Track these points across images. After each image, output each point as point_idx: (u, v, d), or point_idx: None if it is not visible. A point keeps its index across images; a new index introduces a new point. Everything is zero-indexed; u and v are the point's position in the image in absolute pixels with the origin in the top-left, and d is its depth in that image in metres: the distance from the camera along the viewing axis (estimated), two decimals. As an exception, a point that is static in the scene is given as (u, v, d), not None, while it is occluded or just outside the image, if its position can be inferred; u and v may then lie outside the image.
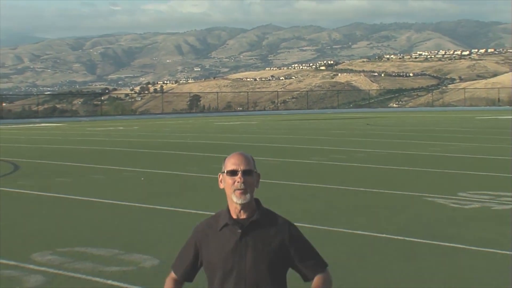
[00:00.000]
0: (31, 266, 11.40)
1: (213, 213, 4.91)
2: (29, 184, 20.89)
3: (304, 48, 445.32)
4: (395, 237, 13.31)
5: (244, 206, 4.68)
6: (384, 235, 13.44)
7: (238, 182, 4.65)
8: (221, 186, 4.76)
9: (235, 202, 4.67)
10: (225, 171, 4.71)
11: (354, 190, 19.26)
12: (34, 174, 23.46)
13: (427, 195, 17.98)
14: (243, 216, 4.71)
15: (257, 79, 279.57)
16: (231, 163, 4.70)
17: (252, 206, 4.73)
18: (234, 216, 4.72)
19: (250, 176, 4.68)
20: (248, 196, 4.67)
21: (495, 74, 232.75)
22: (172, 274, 4.92)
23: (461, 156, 27.65)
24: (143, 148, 33.64)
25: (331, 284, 4.77)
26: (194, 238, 4.82)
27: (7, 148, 34.55)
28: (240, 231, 4.68)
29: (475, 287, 10.09)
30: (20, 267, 11.38)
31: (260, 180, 4.83)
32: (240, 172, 4.66)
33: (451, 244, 12.65)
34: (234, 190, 4.65)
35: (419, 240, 13.00)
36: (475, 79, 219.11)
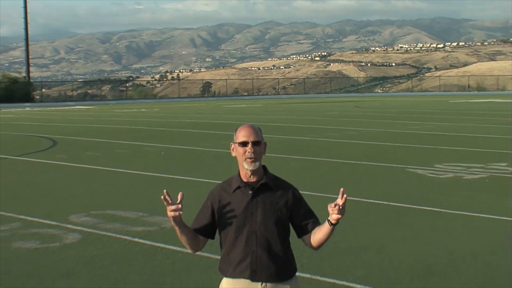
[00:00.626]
0: (69, 226, 11.48)
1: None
2: (66, 157, 20.92)
3: (301, 42, 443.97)
4: (381, 202, 13.35)
5: (254, 172, 4.70)
6: (372, 201, 13.48)
7: (248, 152, 4.66)
8: (233, 154, 4.77)
9: (246, 168, 4.70)
10: (237, 142, 4.72)
11: (345, 162, 19.31)
12: (70, 149, 23.47)
13: (408, 167, 18.01)
14: (253, 180, 4.73)
15: (260, 68, 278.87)
16: (242, 135, 4.72)
17: (260, 171, 4.75)
18: (245, 180, 4.74)
19: (258, 146, 4.70)
20: (257, 163, 4.69)
21: (465, 64, 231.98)
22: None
23: (437, 134, 27.64)
24: (162, 127, 33.62)
25: None
26: (210, 200, 4.84)
27: (47, 127, 34.58)
28: (251, 192, 4.70)
29: (452, 244, 10.12)
30: (60, 227, 11.45)
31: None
32: (250, 143, 4.68)
33: (430, 208, 12.70)
34: (245, 158, 4.67)
35: (402, 205, 13.05)
36: (448, 68, 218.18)
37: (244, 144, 4.69)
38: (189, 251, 4.91)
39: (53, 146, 24.62)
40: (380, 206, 13.09)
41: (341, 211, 4.53)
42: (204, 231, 4.83)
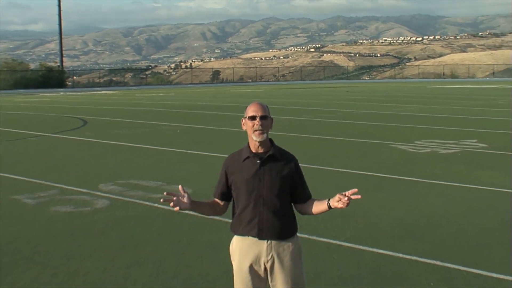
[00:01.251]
0: (99, 193, 11.51)
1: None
2: (94, 135, 20.94)
3: (298, 35, 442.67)
4: (368, 173, 13.38)
5: (261, 143, 4.68)
6: (359, 172, 13.50)
7: (257, 125, 4.64)
8: (244, 128, 4.75)
9: (254, 140, 4.68)
10: (247, 117, 4.71)
11: (336, 139, 19.29)
12: (98, 128, 23.48)
13: (391, 143, 18.02)
14: (260, 150, 4.71)
15: (263, 58, 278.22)
16: (251, 110, 4.70)
17: (267, 143, 4.73)
18: (254, 151, 4.72)
19: (266, 120, 4.67)
20: (264, 135, 4.67)
21: (440, 55, 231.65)
22: (214, 200, 4.91)
23: (416, 115, 27.61)
24: (178, 109, 33.61)
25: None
26: (224, 168, 4.84)
27: (78, 109, 34.61)
28: (259, 161, 4.69)
29: (429, 209, 10.15)
30: (91, 194, 11.49)
31: None
32: (258, 117, 4.65)
33: (410, 178, 12.73)
34: (254, 131, 4.65)
35: (385, 175, 13.07)
36: (426, 59, 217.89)
37: (253, 118, 4.67)
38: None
39: (84, 125, 24.64)
40: (366, 176, 13.12)
41: (346, 205, 4.50)
42: (224, 196, 4.83)
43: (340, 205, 4.50)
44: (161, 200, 4.69)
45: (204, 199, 4.85)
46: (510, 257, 7.72)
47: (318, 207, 4.73)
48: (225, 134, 20.78)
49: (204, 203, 4.89)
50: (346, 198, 4.48)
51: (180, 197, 4.68)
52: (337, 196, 4.52)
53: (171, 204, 4.63)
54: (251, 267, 4.69)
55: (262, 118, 4.67)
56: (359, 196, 4.49)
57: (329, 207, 4.61)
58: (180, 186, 4.72)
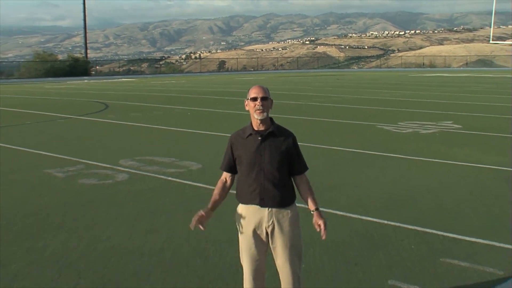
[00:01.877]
0: (119, 168, 11.50)
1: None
2: (115, 117, 20.90)
3: (295, 29, 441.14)
4: (358, 150, 13.36)
5: (262, 121, 4.65)
6: (350, 149, 13.50)
7: (258, 105, 4.62)
8: (247, 108, 4.71)
9: (256, 118, 4.64)
10: (249, 98, 4.69)
11: (329, 121, 19.26)
12: (118, 111, 23.43)
13: (377, 124, 17.99)
14: (261, 128, 4.68)
15: (263, 50, 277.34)
16: (253, 92, 4.67)
17: (268, 122, 4.70)
18: (256, 129, 4.69)
19: (266, 101, 4.65)
20: (265, 114, 4.63)
21: (420, 47, 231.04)
22: (222, 176, 4.88)
23: (399, 99, 27.54)
24: (188, 94, 33.55)
25: (309, 181, 4.85)
26: (230, 144, 4.80)
27: (100, 94, 34.55)
28: (260, 138, 4.65)
29: (411, 182, 10.14)
30: (112, 168, 11.48)
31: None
32: (259, 98, 4.63)
33: (394, 155, 12.73)
34: (255, 110, 4.62)
35: (373, 152, 13.05)
36: (408, 50, 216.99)
37: (254, 99, 4.65)
38: None
39: (105, 109, 24.61)
40: (356, 153, 13.09)
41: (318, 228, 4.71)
42: (230, 169, 4.80)
43: (315, 224, 4.70)
44: (192, 228, 4.68)
45: (212, 197, 4.79)
46: (481, 223, 7.72)
47: (306, 201, 4.81)
48: (230, 116, 20.71)
49: (216, 200, 4.84)
50: (319, 229, 4.68)
51: (202, 219, 4.66)
52: (316, 222, 4.69)
53: (202, 228, 4.66)
54: (254, 232, 4.69)
55: (263, 99, 4.65)
56: (323, 237, 4.69)
57: (312, 212, 4.74)
58: (196, 219, 4.65)
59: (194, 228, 4.64)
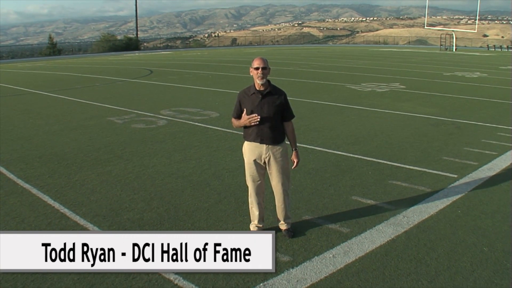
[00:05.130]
0: (160, 116, 11.38)
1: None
2: (157, 79, 20.62)
3: (287, 15, 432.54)
4: (331, 103, 13.18)
5: (262, 84, 4.58)
6: (326, 103, 13.31)
7: (259, 73, 4.54)
8: (251, 73, 4.63)
9: (258, 82, 4.57)
10: (253, 67, 4.59)
11: (310, 82, 18.97)
12: (159, 75, 23.12)
13: (346, 84, 17.69)
14: (262, 88, 4.60)
15: (264, 30, 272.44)
16: (256, 63, 4.58)
17: (266, 84, 4.62)
18: (257, 89, 4.62)
19: (265, 70, 4.57)
20: (264, 79, 4.56)
21: (377, 30, 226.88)
22: (233, 118, 4.81)
23: (361, 67, 27.04)
24: (209, 62, 33.02)
25: (293, 127, 4.81)
26: (238, 98, 4.73)
27: (147, 63, 34.10)
28: (260, 96, 4.59)
29: (369, 126, 10.05)
30: (155, 116, 11.36)
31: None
32: (260, 68, 4.55)
33: (358, 107, 12.55)
34: (257, 77, 4.55)
35: (343, 105, 12.87)
36: (368, 32, 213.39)
37: (257, 68, 4.58)
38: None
39: (150, 74, 24.29)
40: (331, 105, 12.91)
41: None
42: (238, 116, 4.74)
43: (292, 159, 4.75)
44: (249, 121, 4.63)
45: (236, 122, 4.78)
46: (417, 155, 7.69)
47: (289, 141, 4.82)
48: (239, 78, 20.41)
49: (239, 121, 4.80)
50: (293, 164, 4.74)
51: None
52: (292, 159, 4.74)
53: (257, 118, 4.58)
54: (255, 161, 4.71)
55: (263, 69, 4.59)
56: (293, 167, 4.79)
57: (292, 150, 4.77)
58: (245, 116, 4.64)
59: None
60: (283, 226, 4.88)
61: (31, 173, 6.97)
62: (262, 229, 4.85)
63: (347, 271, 4.16)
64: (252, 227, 4.87)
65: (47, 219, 5.26)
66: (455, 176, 6.67)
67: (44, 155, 7.97)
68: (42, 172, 7.01)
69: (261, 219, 4.83)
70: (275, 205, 4.88)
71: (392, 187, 6.23)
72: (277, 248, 4.55)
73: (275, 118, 4.64)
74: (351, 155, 7.78)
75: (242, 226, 5.05)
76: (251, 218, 4.88)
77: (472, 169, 6.99)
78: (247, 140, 4.73)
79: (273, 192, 4.83)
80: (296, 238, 4.77)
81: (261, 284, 3.94)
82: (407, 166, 7.11)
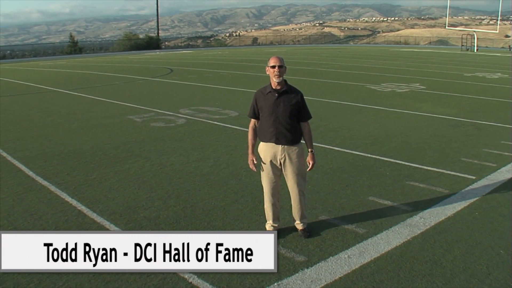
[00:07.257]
0: (179, 115, 11.45)
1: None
2: (177, 78, 20.76)
3: (308, 15, 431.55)
4: (350, 103, 13.11)
5: (278, 83, 4.56)
6: (345, 103, 13.25)
7: (276, 71, 4.53)
8: (267, 72, 4.62)
9: (274, 81, 4.56)
10: (269, 66, 4.58)
11: (329, 82, 18.88)
12: (179, 74, 23.26)
13: (366, 84, 17.59)
14: (278, 87, 4.59)
15: (285, 29, 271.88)
16: (272, 61, 4.57)
17: (283, 82, 4.60)
18: (273, 87, 4.60)
19: (282, 68, 4.55)
20: (281, 78, 4.54)
21: (398, 30, 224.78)
22: (251, 123, 4.80)
23: (382, 67, 26.83)
24: (230, 62, 33.09)
25: (310, 128, 4.75)
26: (255, 97, 4.73)
27: (167, 62, 34.30)
28: (276, 95, 4.57)
29: (388, 126, 9.97)
30: (175, 115, 11.45)
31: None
32: (277, 66, 4.54)
33: (377, 107, 12.46)
34: (274, 75, 4.54)
35: (362, 105, 12.80)
36: (389, 32, 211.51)
37: (273, 67, 4.56)
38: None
39: (171, 72, 24.44)
40: (350, 105, 12.83)
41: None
42: (255, 116, 4.74)
43: (308, 161, 4.67)
44: (254, 169, 4.72)
45: (249, 142, 4.80)
46: (435, 156, 7.60)
47: (306, 142, 4.73)
48: (258, 77, 20.41)
49: (253, 144, 4.80)
50: (309, 166, 4.66)
51: (253, 162, 4.70)
52: (308, 160, 4.66)
53: (255, 169, 4.70)
54: (271, 162, 4.70)
55: (280, 67, 4.57)
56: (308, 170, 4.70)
57: (308, 152, 4.71)
58: (252, 164, 4.71)
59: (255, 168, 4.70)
60: (299, 226, 4.87)
61: (49, 170, 7.08)
62: (278, 228, 4.84)
63: (362, 272, 4.13)
64: (268, 226, 4.87)
65: (64, 216, 5.33)
66: (473, 177, 6.57)
67: (63, 153, 8.08)
68: (60, 170, 7.11)
69: (276, 218, 4.83)
70: (291, 205, 4.88)
71: (410, 188, 6.16)
72: (293, 248, 4.55)
73: (291, 117, 4.60)
74: (369, 155, 7.72)
75: (258, 225, 5.05)
76: (266, 217, 4.88)
77: (491, 170, 6.88)
78: (263, 141, 4.72)
79: (289, 192, 4.82)
80: (312, 238, 4.76)
81: (275, 284, 3.94)
82: (425, 167, 7.03)
